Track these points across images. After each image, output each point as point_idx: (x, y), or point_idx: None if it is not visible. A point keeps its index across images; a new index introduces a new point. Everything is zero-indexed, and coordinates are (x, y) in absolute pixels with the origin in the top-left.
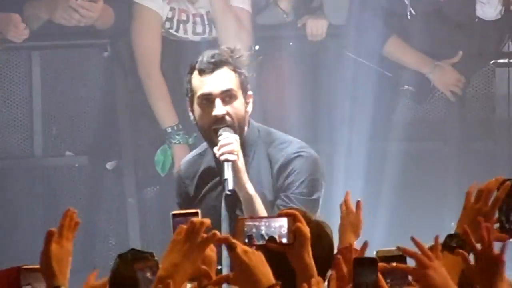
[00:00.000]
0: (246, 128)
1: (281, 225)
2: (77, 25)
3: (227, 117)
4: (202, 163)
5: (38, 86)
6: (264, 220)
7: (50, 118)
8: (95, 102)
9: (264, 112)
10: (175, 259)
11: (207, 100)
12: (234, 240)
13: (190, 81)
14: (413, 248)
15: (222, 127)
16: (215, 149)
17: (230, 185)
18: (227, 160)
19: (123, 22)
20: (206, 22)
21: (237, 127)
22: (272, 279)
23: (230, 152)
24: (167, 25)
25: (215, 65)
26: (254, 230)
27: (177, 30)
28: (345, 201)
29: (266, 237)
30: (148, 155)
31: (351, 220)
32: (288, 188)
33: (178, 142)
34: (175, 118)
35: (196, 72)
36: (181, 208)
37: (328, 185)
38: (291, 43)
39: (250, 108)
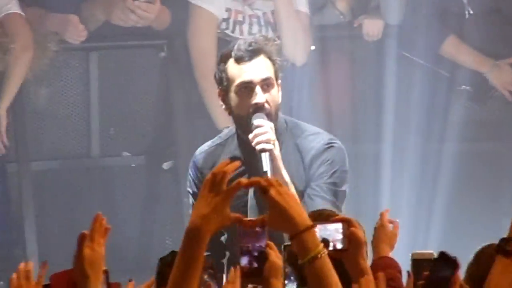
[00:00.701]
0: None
1: (336, 229)
2: (134, 26)
3: (266, 105)
4: (223, 153)
5: (96, 86)
6: (320, 225)
7: (107, 119)
8: (151, 103)
9: (320, 111)
10: (202, 211)
11: (247, 88)
12: (265, 182)
13: (225, 70)
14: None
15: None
16: (250, 136)
17: (268, 176)
18: (263, 150)
19: (180, 23)
20: (262, 23)
21: (274, 115)
22: (308, 220)
23: (267, 142)
24: (223, 25)
25: (253, 53)
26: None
27: (233, 31)
28: (382, 219)
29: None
30: None
31: (387, 233)
32: (320, 178)
33: None
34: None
35: (232, 60)
36: (194, 198)
37: (380, 185)
38: (348, 43)
39: (281, 94)
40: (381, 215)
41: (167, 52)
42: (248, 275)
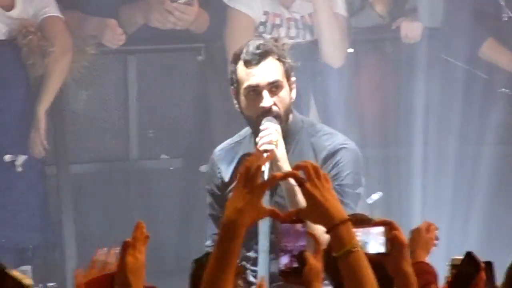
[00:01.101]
0: (291, 115)
1: (378, 233)
2: (172, 29)
3: (274, 107)
4: (240, 150)
5: (134, 90)
6: (361, 228)
7: (146, 122)
8: (189, 106)
9: (356, 113)
10: (237, 204)
11: (254, 91)
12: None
13: (235, 72)
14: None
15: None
16: (257, 139)
17: (264, 176)
18: (265, 151)
19: (218, 26)
20: (300, 26)
21: (283, 116)
22: (344, 214)
23: (269, 143)
24: (261, 29)
25: (261, 56)
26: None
27: (270, 34)
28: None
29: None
30: None
31: (423, 237)
32: (334, 180)
33: None
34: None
35: (241, 63)
36: (214, 196)
37: (415, 189)
38: (385, 46)
39: (294, 94)
40: (426, 225)
41: (204, 55)
42: (288, 275)
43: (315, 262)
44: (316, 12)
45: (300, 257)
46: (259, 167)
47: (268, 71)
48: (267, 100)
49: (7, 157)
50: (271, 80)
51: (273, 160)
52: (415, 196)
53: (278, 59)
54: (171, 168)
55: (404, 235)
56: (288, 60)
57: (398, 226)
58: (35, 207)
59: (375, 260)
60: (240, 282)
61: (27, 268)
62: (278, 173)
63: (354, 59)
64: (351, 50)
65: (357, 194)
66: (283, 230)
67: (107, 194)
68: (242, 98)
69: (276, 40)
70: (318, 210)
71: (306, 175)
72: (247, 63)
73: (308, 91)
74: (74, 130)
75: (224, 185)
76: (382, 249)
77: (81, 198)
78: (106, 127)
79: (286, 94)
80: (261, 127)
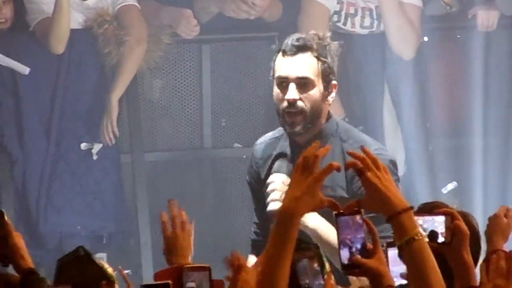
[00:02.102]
0: (322, 119)
1: (439, 222)
2: (246, 18)
3: (300, 102)
4: (278, 146)
5: (208, 78)
6: (426, 217)
7: (219, 111)
8: (263, 95)
9: (431, 103)
10: (295, 194)
11: (284, 82)
12: (362, 164)
13: (274, 60)
14: None
15: (280, 158)
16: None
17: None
18: (272, 209)
19: (291, 15)
20: (375, 16)
21: (310, 115)
22: (405, 202)
23: (273, 200)
24: (335, 18)
25: (298, 49)
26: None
27: (344, 24)
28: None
29: (427, 232)
30: None
31: (500, 224)
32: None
33: None
34: (341, 111)
35: (281, 53)
36: (251, 188)
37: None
38: (458, 35)
39: (331, 98)
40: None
41: (278, 44)
42: (350, 268)
43: (380, 253)
44: (381, 4)
45: (363, 250)
46: (317, 156)
47: (301, 65)
48: (291, 93)
49: (83, 145)
50: (300, 75)
51: None
52: (489, 186)
53: (317, 57)
54: (244, 156)
55: (476, 224)
56: (328, 60)
57: (459, 216)
58: (111, 194)
59: (436, 250)
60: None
61: (102, 255)
62: (335, 162)
63: (428, 48)
64: (426, 38)
65: None
66: (342, 222)
67: (181, 182)
68: (275, 87)
69: (320, 38)
70: (379, 199)
71: (365, 166)
72: (284, 53)
73: (382, 81)
74: (149, 118)
75: (259, 181)
76: (442, 239)
77: (155, 186)
78: (180, 116)
79: (317, 93)
80: (268, 181)
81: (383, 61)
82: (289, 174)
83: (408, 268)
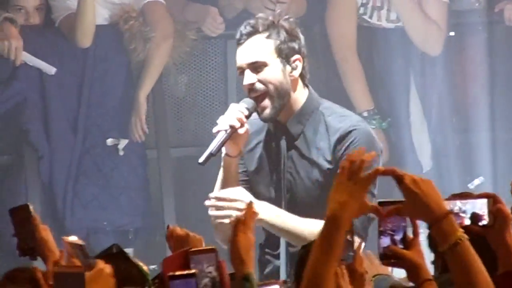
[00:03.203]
0: (292, 93)
1: (481, 205)
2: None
3: (258, 84)
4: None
5: (233, 74)
6: (468, 200)
7: None
8: None
9: (457, 98)
10: (341, 198)
11: (241, 72)
12: (401, 172)
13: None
14: None
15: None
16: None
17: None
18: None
19: (316, 10)
20: None
21: (274, 93)
22: (445, 208)
23: (223, 126)
24: (361, 10)
25: (247, 35)
26: (456, 207)
27: (370, 17)
28: None
29: (468, 215)
30: None
31: None
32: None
33: (374, 126)
34: (371, 102)
35: (236, 43)
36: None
37: None
38: (480, 28)
39: (297, 72)
40: None
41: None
42: (389, 257)
43: (418, 245)
44: (396, 1)
45: (404, 240)
46: (363, 161)
47: (250, 50)
48: (247, 79)
49: (110, 141)
50: (249, 60)
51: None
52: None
53: (268, 37)
54: None
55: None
56: (280, 37)
57: (501, 199)
58: (137, 190)
59: (478, 233)
60: (348, 236)
61: (129, 250)
62: (381, 167)
63: (455, 43)
64: (452, 33)
65: None
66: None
67: (207, 178)
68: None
69: (271, 21)
70: (418, 206)
71: (403, 172)
72: (237, 43)
73: (408, 75)
74: (174, 114)
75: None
76: (484, 222)
77: (181, 181)
78: (206, 111)
79: (274, 71)
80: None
81: (408, 55)
82: (262, 154)
83: (454, 273)
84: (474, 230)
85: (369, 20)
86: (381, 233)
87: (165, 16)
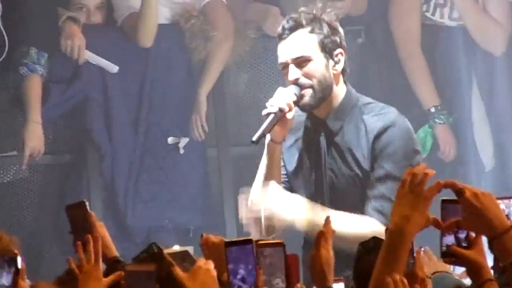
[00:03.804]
0: (335, 88)
1: None
2: None
3: (303, 79)
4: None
5: None
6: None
7: None
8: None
9: None
10: (404, 212)
11: (285, 68)
12: (462, 185)
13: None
14: None
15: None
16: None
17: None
18: (268, 113)
19: (377, 9)
20: None
21: (317, 86)
22: (507, 222)
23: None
24: (424, 7)
25: (290, 30)
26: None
27: (433, 14)
28: None
29: None
30: None
31: None
32: (387, 158)
33: (442, 121)
34: (437, 98)
35: (277, 37)
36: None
37: None
38: None
39: (340, 66)
40: None
41: (364, 37)
42: (448, 255)
43: (481, 245)
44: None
45: (467, 238)
46: (427, 175)
47: (294, 45)
48: (292, 74)
49: (171, 140)
50: (294, 56)
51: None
52: None
53: (311, 31)
54: None
55: None
56: (323, 31)
57: None
58: (197, 188)
59: None
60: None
61: (189, 248)
62: (441, 182)
63: None
64: None
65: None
66: (449, 209)
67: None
68: (283, 73)
69: (314, 15)
70: (479, 220)
71: (464, 186)
72: (279, 38)
73: (470, 73)
74: (234, 112)
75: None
76: None
77: (241, 179)
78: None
79: (318, 66)
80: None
81: (471, 54)
82: (302, 152)
83: None
84: None
85: (431, 17)
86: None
87: (226, 15)
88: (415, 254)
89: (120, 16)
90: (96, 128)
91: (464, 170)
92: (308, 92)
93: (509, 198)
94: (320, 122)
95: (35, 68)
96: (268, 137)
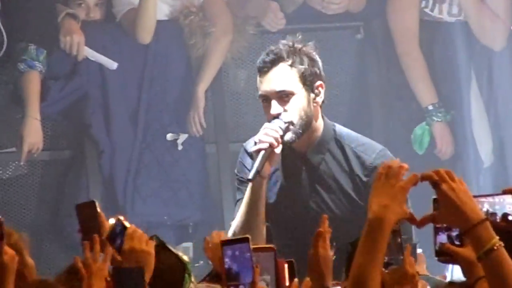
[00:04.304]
0: (315, 122)
1: (509, 202)
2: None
3: (284, 115)
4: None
5: None
6: (496, 197)
7: None
8: (347, 85)
9: None
10: (383, 201)
11: (266, 100)
12: (437, 177)
13: (257, 80)
14: None
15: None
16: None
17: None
18: (259, 150)
19: (376, 5)
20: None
21: (298, 122)
22: (481, 214)
23: (265, 138)
24: (423, 4)
25: (271, 63)
26: (486, 207)
27: (432, 10)
28: None
29: (499, 214)
30: (400, 136)
31: None
32: None
33: (439, 119)
34: (435, 96)
35: (258, 72)
36: (242, 183)
37: None
38: None
39: (320, 98)
40: None
41: (363, 34)
42: (442, 253)
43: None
44: None
45: (460, 236)
46: (402, 167)
47: (276, 79)
48: (274, 108)
49: (169, 136)
50: (277, 89)
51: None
52: None
53: (291, 65)
54: None
55: None
56: (304, 64)
57: None
58: (196, 184)
59: (507, 228)
60: (398, 239)
61: (189, 245)
62: (417, 175)
63: None
64: None
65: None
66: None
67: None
68: (263, 106)
69: (291, 45)
70: (453, 212)
71: (440, 178)
72: (260, 71)
73: (469, 69)
74: (233, 109)
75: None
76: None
77: None
78: None
79: (300, 100)
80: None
81: (470, 49)
82: (283, 185)
83: (489, 280)
84: (504, 227)
85: (430, 13)
86: (438, 230)
87: (225, 11)
88: (404, 251)
89: (119, 12)
90: (95, 124)
91: (462, 166)
92: (290, 128)
93: (492, 195)
94: (300, 156)
95: (33, 64)
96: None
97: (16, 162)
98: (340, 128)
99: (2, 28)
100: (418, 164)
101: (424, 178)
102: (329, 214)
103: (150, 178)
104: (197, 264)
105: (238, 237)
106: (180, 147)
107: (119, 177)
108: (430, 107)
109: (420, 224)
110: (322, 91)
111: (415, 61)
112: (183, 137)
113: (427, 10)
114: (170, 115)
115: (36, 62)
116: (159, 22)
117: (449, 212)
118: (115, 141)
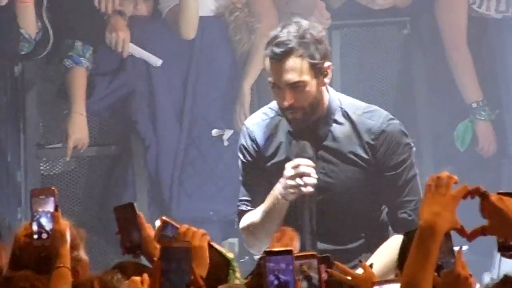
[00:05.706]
0: (323, 102)
1: None
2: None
3: (296, 104)
4: (278, 126)
5: (337, 64)
6: None
7: (350, 96)
8: (393, 80)
9: None
10: (434, 209)
11: (276, 87)
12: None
13: (266, 58)
14: None
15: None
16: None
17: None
18: (300, 191)
19: (423, 0)
20: (510, 1)
21: (309, 107)
22: None
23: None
24: (470, 0)
25: (282, 55)
26: None
27: (479, 6)
28: None
29: None
30: (446, 132)
31: None
32: (389, 158)
33: (483, 118)
34: (480, 93)
35: (268, 56)
36: (249, 167)
37: None
38: None
39: (328, 79)
40: None
41: (410, 29)
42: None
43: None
44: None
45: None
46: (452, 178)
47: (288, 71)
48: (287, 99)
49: (215, 132)
50: (290, 81)
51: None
52: None
53: (301, 56)
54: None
55: None
56: (314, 54)
57: None
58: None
59: None
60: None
61: (234, 240)
62: (467, 187)
63: None
64: None
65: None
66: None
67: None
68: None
69: (301, 36)
70: (504, 222)
71: (483, 192)
72: (271, 59)
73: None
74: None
75: (262, 158)
76: None
77: None
78: None
79: (311, 88)
80: (291, 164)
81: None
82: (299, 154)
83: None
84: None
85: (477, 9)
86: None
87: (270, 8)
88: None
89: (165, 8)
90: (141, 120)
91: (507, 164)
92: (300, 115)
93: None
94: (306, 128)
95: (80, 60)
96: (276, 191)
97: (64, 158)
98: (345, 98)
99: (48, 24)
100: (460, 160)
101: (472, 192)
102: (338, 185)
103: (196, 173)
104: (242, 260)
105: (282, 249)
106: (226, 143)
107: (164, 172)
108: (474, 105)
109: (471, 237)
110: (330, 72)
111: (462, 58)
112: (228, 133)
113: (474, 7)
114: (215, 111)
115: (82, 58)
116: (204, 18)
117: (500, 223)
118: (161, 137)
